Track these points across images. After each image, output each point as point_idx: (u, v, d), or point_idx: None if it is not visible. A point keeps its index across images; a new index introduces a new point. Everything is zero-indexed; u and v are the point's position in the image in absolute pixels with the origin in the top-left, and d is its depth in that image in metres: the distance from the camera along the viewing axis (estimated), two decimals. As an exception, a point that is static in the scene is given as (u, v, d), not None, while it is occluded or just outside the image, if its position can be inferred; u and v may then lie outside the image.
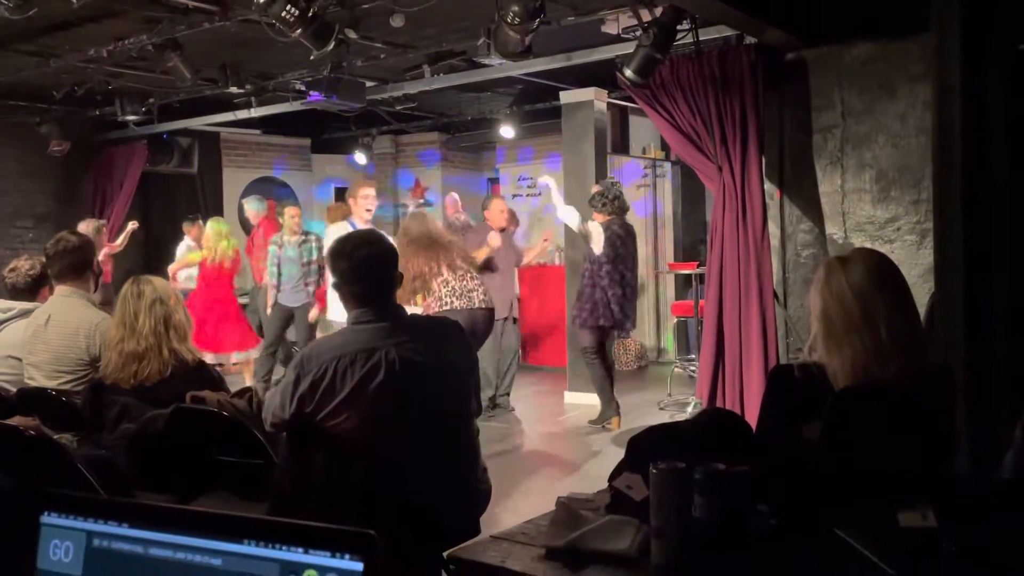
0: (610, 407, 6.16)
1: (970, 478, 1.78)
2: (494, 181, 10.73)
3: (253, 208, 8.04)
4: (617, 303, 5.95)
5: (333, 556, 0.72)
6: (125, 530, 0.80)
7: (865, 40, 4.74)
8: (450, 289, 5.63)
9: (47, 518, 0.83)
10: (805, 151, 5.07)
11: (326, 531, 0.73)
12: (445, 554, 1.73)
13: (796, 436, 1.89)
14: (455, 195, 8.32)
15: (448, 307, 5.57)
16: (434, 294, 5.65)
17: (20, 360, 3.31)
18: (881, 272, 1.95)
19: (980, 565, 1.42)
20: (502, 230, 6.58)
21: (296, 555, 0.73)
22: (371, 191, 6.23)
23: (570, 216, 6.09)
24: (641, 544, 1.56)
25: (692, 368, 7.05)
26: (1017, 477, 1.75)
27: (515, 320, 6.95)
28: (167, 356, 3.02)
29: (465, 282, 5.67)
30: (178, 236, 9.23)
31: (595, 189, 6.36)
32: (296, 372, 2.43)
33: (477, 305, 5.63)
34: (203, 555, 0.77)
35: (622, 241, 6.02)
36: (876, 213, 4.82)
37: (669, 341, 8.92)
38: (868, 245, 4.81)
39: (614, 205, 6.04)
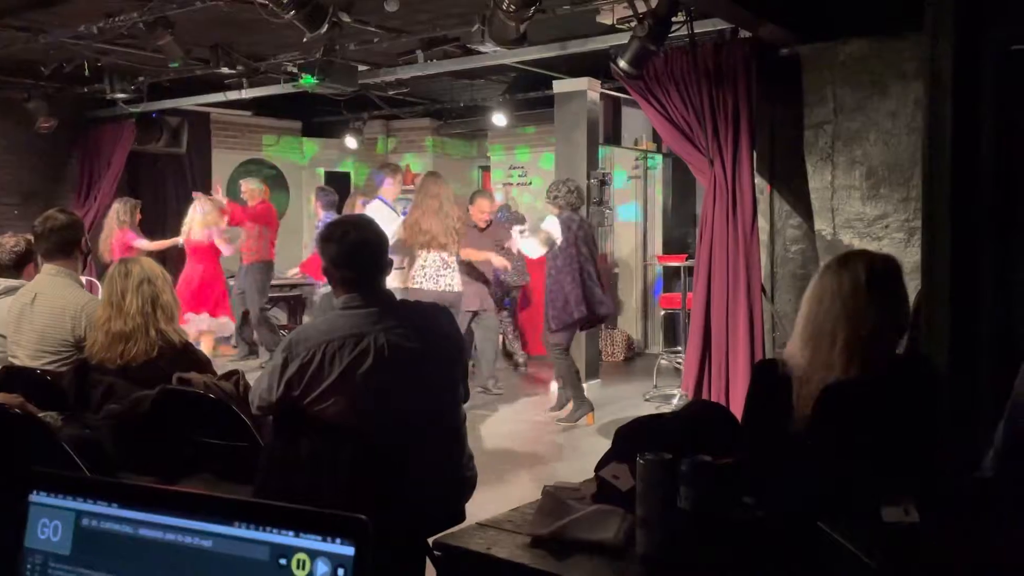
0: (583, 403, 6.01)
1: (951, 477, 1.80)
2: (485, 169, 10.70)
3: (255, 187, 8.05)
4: (585, 296, 5.79)
5: (324, 540, 0.72)
6: (115, 510, 0.80)
7: (859, 37, 4.75)
8: (424, 273, 6.00)
9: (36, 497, 0.83)
10: (796, 146, 5.09)
11: (318, 515, 0.73)
12: (431, 540, 1.74)
13: (781, 429, 1.91)
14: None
15: (417, 286, 5.94)
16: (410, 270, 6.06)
17: (4, 337, 3.28)
18: (872, 275, 1.96)
19: (960, 561, 1.43)
20: (482, 229, 6.75)
21: (287, 538, 0.73)
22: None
23: (530, 247, 6.08)
24: (626, 534, 1.57)
25: (678, 360, 7.08)
26: (997, 476, 1.77)
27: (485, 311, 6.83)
28: (154, 337, 3.01)
29: (438, 267, 6.02)
30: (167, 215, 9.19)
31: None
32: (284, 355, 2.42)
33: (444, 288, 5.98)
34: (193, 536, 0.77)
35: (584, 232, 5.92)
36: (865, 210, 4.84)
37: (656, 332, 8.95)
38: (856, 242, 4.84)
39: (569, 199, 5.90)
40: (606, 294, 6.10)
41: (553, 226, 5.86)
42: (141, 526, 0.79)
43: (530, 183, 9.58)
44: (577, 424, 6.02)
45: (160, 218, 9.39)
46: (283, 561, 0.73)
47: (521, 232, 6.69)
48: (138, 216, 7.76)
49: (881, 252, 2.18)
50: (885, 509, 1.49)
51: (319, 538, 0.72)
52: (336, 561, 0.72)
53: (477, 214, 6.80)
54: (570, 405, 6.09)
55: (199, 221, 7.45)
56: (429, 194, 6.09)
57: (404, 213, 6.52)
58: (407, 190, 7.75)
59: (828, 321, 1.91)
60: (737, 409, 5.12)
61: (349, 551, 0.72)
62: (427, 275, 6.01)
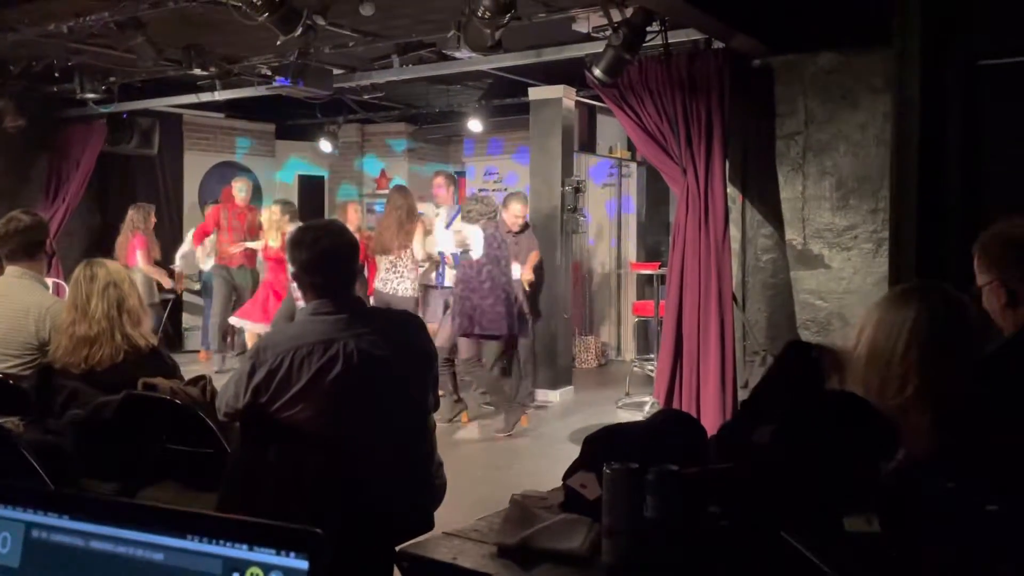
0: (513, 412, 5.94)
1: (913, 484, 1.82)
2: (461, 174, 10.69)
3: (243, 192, 8.15)
4: (493, 309, 5.67)
5: (278, 554, 0.71)
6: (65, 522, 0.78)
7: (829, 50, 4.82)
8: (379, 277, 6.66)
9: (-16, 508, 0.81)
10: (768, 157, 5.14)
11: (271, 528, 0.72)
12: (397, 548, 1.72)
13: (792, 408, 1.85)
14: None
15: (378, 288, 6.58)
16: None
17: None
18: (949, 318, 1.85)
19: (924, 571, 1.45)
20: (515, 234, 6.57)
21: (240, 552, 0.72)
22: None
23: (444, 241, 6.13)
24: (593, 543, 1.57)
25: (650, 368, 7.11)
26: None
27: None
28: (119, 341, 2.97)
29: (387, 271, 6.56)
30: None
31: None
32: (252, 362, 2.40)
33: (390, 291, 6.49)
34: (145, 549, 0.75)
35: (498, 244, 5.82)
36: (835, 220, 4.90)
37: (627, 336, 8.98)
38: (826, 252, 4.89)
39: (482, 210, 5.84)
40: (517, 313, 5.94)
41: (474, 235, 5.74)
42: (92, 538, 0.77)
43: (505, 189, 9.58)
44: (513, 432, 5.92)
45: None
46: (236, 575, 0.72)
47: (447, 226, 6.50)
48: (152, 220, 8.20)
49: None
50: (847, 519, 1.50)
51: (273, 552, 0.71)
52: (290, 575, 0.71)
53: (511, 219, 6.50)
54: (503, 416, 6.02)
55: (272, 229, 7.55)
56: (395, 205, 6.63)
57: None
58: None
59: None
60: (708, 417, 5.15)
61: (303, 565, 0.71)
62: (381, 278, 6.59)
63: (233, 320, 7.68)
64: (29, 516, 0.80)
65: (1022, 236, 2.09)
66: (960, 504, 1.57)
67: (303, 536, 0.71)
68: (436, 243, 6.48)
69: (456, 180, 7.31)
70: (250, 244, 8.01)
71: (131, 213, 8.05)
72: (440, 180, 6.92)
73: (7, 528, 0.80)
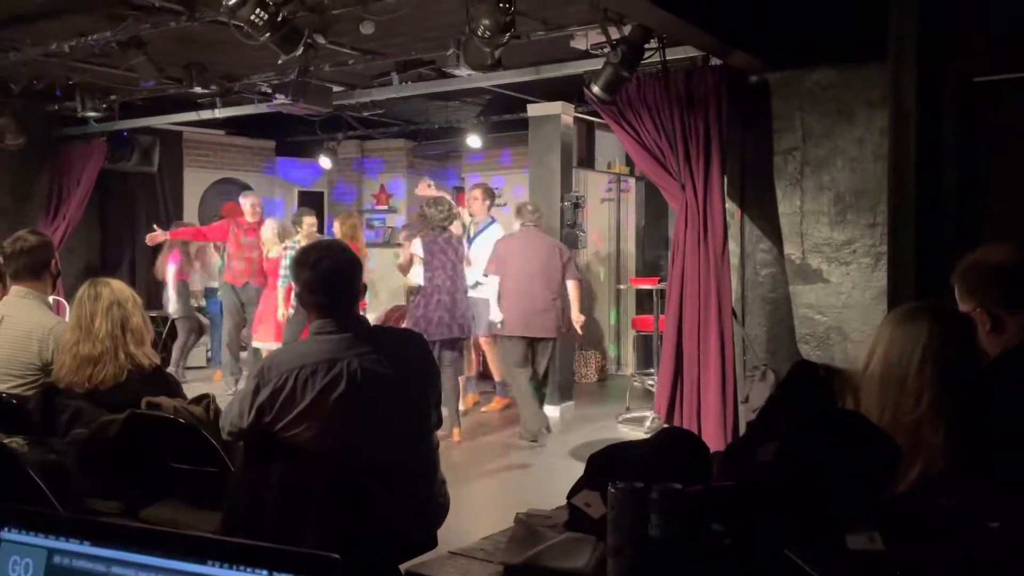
0: (455, 419, 6.14)
1: (915, 500, 1.83)
2: (459, 190, 10.73)
3: (253, 208, 8.18)
4: (444, 312, 5.97)
5: (297, 579, 0.73)
6: (87, 548, 0.80)
7: (826, 66, 4.85)
8: None
9: (7, 534, 0.82)
10: (766, 172, 5.16)
11: (291, 554, 0.73)
12: (402, 568, 1.73)
13: (796, 427, 1.86)
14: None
15: None
16: None
17: (-29, 360, 3.23)
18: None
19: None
20: None
21: (260, 577, 0.74)
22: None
23: (417, 275, 6.25)
24: (598, 562, 1.58)
25: (650, 382, 7.12)
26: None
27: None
28: (123, 360, 2.98)
29: None
30: (136, 235, 9.15)
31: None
32: (256, 381, 2.41)
33: None
34: (166, 575, 0.77)
35: (440, 248, 6.09)
36: (833, 235, 4.92)
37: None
38: (825, 266, 4.91)
39: (435, 220, 6.13)
40: (462, 315, 6.15)
41: (417, 248, 6.14)
42: (113, 564, 0.78)
43: (504, 204, 9.62)
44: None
45: (128, 238, 9.31)
46: (256, 599, 0.73)
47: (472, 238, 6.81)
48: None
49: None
50: (850, 536, 1.52)
51: (292, 577, 0.72)
52: (309, 599, 0.72)
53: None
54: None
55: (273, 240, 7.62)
56: (338, 233, 7.01)
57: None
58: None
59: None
60: (709, 430, 5.16)
61: (322, 589, 0.72)
62: None
63: (257, 344, 7.65)
64: (51, 542, 0.81)
65: (998, 263, 2.12)
66: (962, 521, 1.58)
67: (322, 561, 0.72)
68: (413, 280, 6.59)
69: (493, 194, 7.41)
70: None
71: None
72: (477, 193, 7.05)
73: (30, 554, 0.82)
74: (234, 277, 7.99)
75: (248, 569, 0.73)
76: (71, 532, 0.80)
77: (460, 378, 6.58)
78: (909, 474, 1.76)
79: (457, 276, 6.13)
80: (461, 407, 6.53)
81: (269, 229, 7.75)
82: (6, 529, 0.83)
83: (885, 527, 1.54)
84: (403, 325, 6.29)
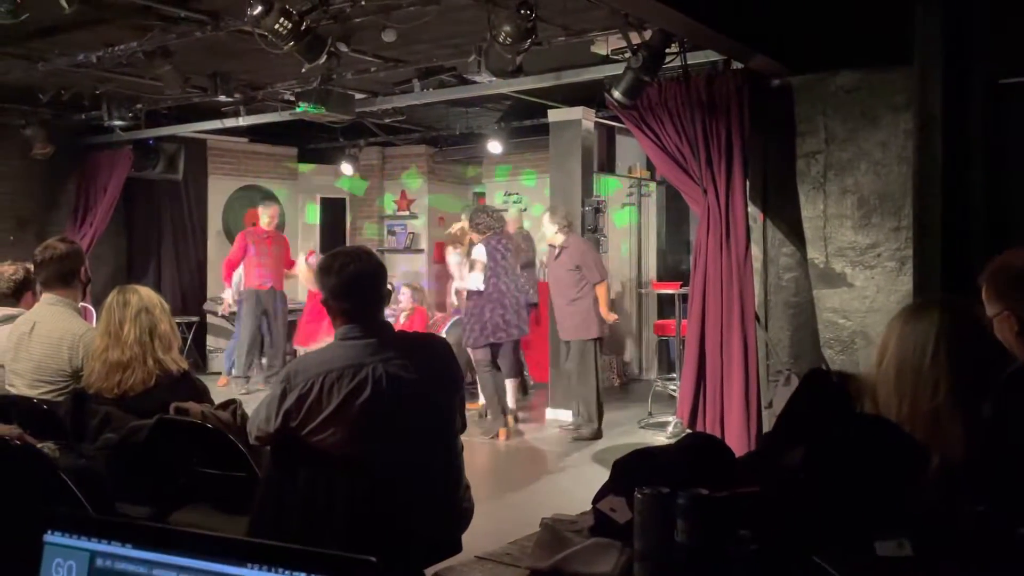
0: (498, 419, 6.39)
1: (944, 507, 1.82)
2: (480, 195, 10.77)
3: (269, 219, 8.35)
4: (501, 317, 6.30)
5: (335, 582, 0.74)
6: (129, 551, 0.82)
7: (849, 69, 4.83)
8: None
9: (51, 537, 0.84)
10: (789, 176, 5.14)
11: (328, 556, 0.75)
12: (428, 572, 1.74)
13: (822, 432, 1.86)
14: None
15: None
16: None
17: (2, 367, 3.28)
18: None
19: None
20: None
21: (299, 580, 0.75)
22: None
23: (476, 281, 6.38)
24: (624, 567, 1.58)
25: (672, 387, 7.09)
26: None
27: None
28: (151, 366, 3.02)
29: None
30: (162, 241, 9.29)
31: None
32: (283, 386, 2.43)
33: None
34: (206, 577, 0.78)
35: (501, 255, 6.40)
36: (857, 239, 4.88)
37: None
38: (849, 270, 4.88)
39: (489, 222, 6.46)
40: (522, 315, 6.50)
41: (480, 254, 6.36)
42: (155, 567, 0.80)
43: (525, 209, 9.63)
44: (491, 440, 6.31)
45: (154, 244, 9.43)
46: (294, 602, 0.75)
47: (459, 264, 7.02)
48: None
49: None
50: (879, 543, 1.51)
51: (330, 580, 0.74)
52: (346, 602, 0.73)
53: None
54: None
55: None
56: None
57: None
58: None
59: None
60: (732, 435, 5.13)
61: (359, 592, 0.73)
62: None
63: (299, 349, 7.76)
64: (93, 545, 0.83)
65: None
66: (991, 527, 1.57)
67: (360, 565, 0.73)
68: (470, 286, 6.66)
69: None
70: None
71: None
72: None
73: (72, 557, 0.84)
74: (258, 282, 8.08)
75: (286, 572, 0.75)
76: (113, 535, 0.82)
77: (513, 381, 6.71)
78: (929, 465, 1.75)
79: (513, 279, 6.45)
80: (512, 404, 6.65)
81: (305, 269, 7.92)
82: (50, 532, 0.85)
83: (915, 534, 1.53)
84: (450, 328, 6.63)
